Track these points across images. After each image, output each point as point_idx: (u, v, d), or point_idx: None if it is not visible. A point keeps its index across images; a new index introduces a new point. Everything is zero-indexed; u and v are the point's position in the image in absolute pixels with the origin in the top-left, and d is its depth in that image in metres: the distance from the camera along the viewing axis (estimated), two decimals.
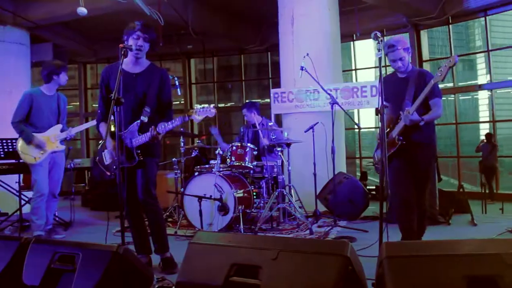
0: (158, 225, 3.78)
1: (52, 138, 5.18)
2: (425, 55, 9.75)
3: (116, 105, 3.20)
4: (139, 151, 3.56)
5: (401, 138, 3.81)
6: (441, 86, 10.01)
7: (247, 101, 6.88)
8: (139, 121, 3.56)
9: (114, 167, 3.67)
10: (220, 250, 2.43)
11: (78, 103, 12.64)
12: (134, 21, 3.65)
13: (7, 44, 8.85)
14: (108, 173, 3.73)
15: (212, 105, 3.45)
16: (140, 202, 3.68)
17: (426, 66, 9.73)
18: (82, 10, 6.40)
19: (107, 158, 3.75)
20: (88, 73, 12.85)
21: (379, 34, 3.23)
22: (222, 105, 12.78)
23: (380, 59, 3.21)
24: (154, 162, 3.72)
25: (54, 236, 5.23)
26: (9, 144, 5.83)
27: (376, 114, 3.21)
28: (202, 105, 3.46)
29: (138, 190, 3.64)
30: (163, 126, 3.47)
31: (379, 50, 3.23)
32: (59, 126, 5.27)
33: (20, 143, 5.14)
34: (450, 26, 9.22)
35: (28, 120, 5.12)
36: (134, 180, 3.65)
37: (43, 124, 5.15)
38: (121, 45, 3.39)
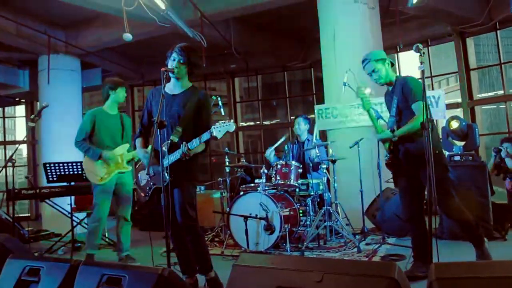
0: (198, 246, 3.77)
1: (119, 157, 5.09)
2: (472, 63, 9.43)
3: (159, 128, 3.25)
4: (169, 171, 3.49)
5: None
6: (490, 94, 9.78)
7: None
8: (169, 141, 3.55)
9: (148, 188, 3.73)
10: (264, 272, 2.40)
11: None
12: (177, 43, 3.71)
13: (60, 71, 9.32)
14: (143, 195, 3.78)
15: (231, 120, 3.37)
16: (179, 223, 3.68)
17: (474, 75, 9.40)
18: (128, 36, 6.57)
19: (142, 179, 3.80)
20: (135, 96, 13.22)
21: (421, 46, 3.16)
22: (268, 122, 12.82)
23: (423, 71, 3.14)
24: (190, 183, 3.69)
25: (129, 263, 5.09)
26: (61, 167, 6.04)
27: (422, 129, 3.13)
28: (223, 122, 3.37)
29: (176, 213, 3.66)
30: (194, 142, 3.46)
31: (421, 62, 3.16)
32: (126, 145, 5.18)
33: (85, 161, 5.12)
34: (498, 32, 8.89)
35: (92, 140, 5.09)
36: (173, 201, 3.66)
37: (108, 143, 5.09)
38: (162, 69, 3.46)
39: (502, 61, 9.01)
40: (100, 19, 8.72)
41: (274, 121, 12.96)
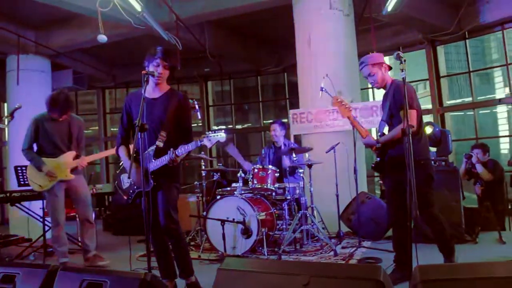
0: (181, 250, 3.74)
1: (63, 165, 4.95)
2: (442, 70, 9.70)
3: (140, 131, 3.22)
4: (153, 176, 3.51)
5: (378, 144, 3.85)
6: (458, 100, 10.05)
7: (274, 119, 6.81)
8: (154, 146, 3.54)
9: (131, 191, 3.68)
10: (250, 277, 2.39)
11: (97, 128, 12.79)
12: (154, 46, 3.65)
13: (29, 72, 9.09)
14: (125, 197, 3.74)
15: (223, 131, 3.38)
16: (162, 227, 3.65)
17: (444, 82, 9.69)
18: (102, 37, 6.47)
19: (124, 182, 3.76)
20: (107, 98, 13.02)
21: (401, 54, 3.19)
22: (240, 126, 12.82)
23: (404, 79, 3.19)
24: (173, 186, 3.67)
25: (98, 263, 5.00)
26: None
27: (402, 135, 3.17)
28: (213, 131, 3.41)
29: (159, 215, 3.62)
30: (182, 149, 3.45)
31: (402, 70, 3.20)
32: (72, 153, 5.03)
33: (29, 170, 5.04)
34: (467, 41, 9.17)
35: (38, 146, 5.00)
36: (156, 205, 3.63)
37: (51, 150, 4.98)
38: (143, 72, 3.42)
39: (470, 70, 9.30)
40: (72, 20, 8.56)
41: (246, 125, 12.97)
